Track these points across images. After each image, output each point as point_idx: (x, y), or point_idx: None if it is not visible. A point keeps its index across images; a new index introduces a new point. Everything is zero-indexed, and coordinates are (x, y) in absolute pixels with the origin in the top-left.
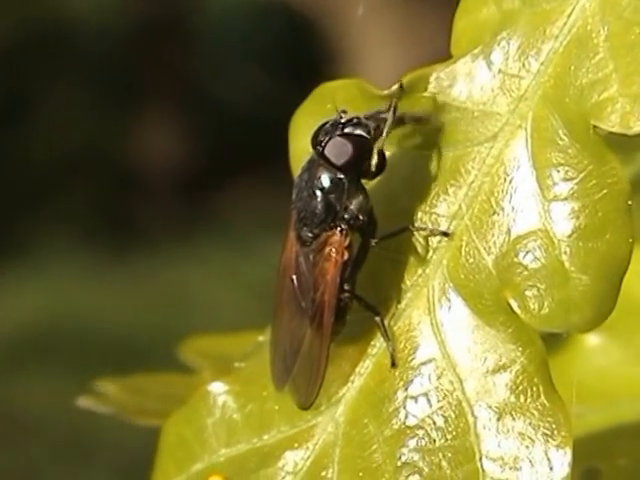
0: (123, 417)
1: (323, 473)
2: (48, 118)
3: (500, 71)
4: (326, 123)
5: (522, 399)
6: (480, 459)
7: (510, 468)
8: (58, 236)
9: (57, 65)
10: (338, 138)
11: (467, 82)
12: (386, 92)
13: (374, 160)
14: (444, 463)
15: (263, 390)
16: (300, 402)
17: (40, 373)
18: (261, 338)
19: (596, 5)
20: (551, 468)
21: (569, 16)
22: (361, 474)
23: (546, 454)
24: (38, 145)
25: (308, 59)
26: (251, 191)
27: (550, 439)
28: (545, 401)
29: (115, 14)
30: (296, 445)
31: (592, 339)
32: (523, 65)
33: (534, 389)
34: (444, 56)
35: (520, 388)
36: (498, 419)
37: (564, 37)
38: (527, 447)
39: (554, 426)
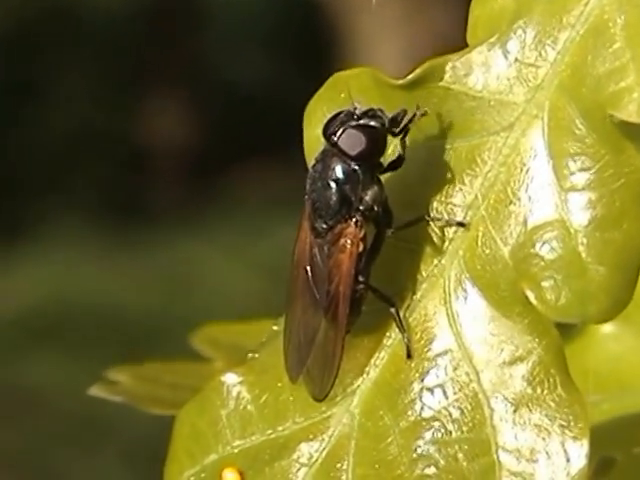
0: (135, 406)
1: (338, 465)
2: (53, 100)
3: (516, 60)
4: (339, 113)
5: (539, 391)
6: (496, 451)
7: (527, 460)
8: (66, 218)
9: (63, 47)
10: (353, 128)
11: (483, 71)
12: (401, 82)
13: (392, 156)
14: (460, 455)
15: (278, 381)
16: (315, 393)
17: (49, 352)
18: (275, 328)
19: None
20: (568, 460)
21: (586, 5)
22: (377, 466)
23: (563, 446)
24: (43, 127)
25: (314, 41)
26: (258, 172)
27: (567, 431)
28: (562, 392)
29: None
30: (311, 437)
31: (606, 327)
32: (540, 54)
33: (551, 380)
34: (451, 39)
35: (537, 380)
36: (515, 411)
37: (581, 26)
38: (544, 439)
39: (571, 418)
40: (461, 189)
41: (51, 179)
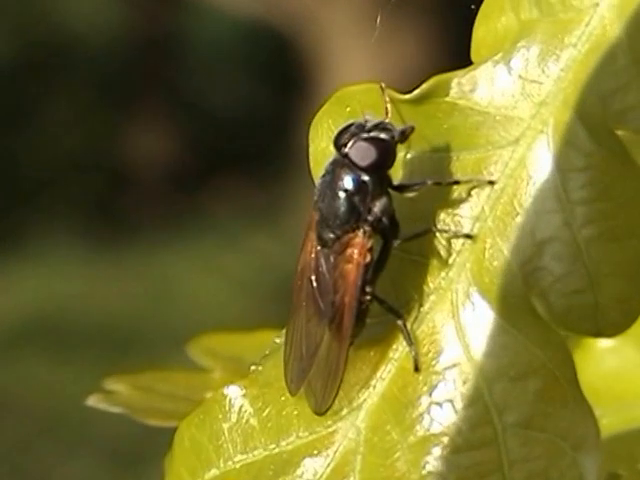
0: (133, 416)
1: None
2: (47, 119)
3: (520, 77)
4: (350, 125)
5: (550, 405)
6: (507, 467)
7: (538, 476)
8: (54, 230)
9: (59, 71)
10: (364, 141)
11: (488, 87)
12: (407, 97)
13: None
14: (470, 472)
15: (281, 394)
16: (316, 407)
17: (35, 357)
18: (278, 340)
19: (614, 14)
20: (580, 476)
21: (587, 25)
22: None
23: (575, 461)
24: (37, 144)
25: (285, 68)
26: (236, 187)
27: (579, 446)
28: (574, 407)
29: (115, 30)
30: (315, 452)
31: (604, 342)
32: (543, 71)
33: (562, 395)
34: (421, 74)
35: (548, 394)
36: (526, 426)
37: (582, 45)
38: (556, 454)
39: (583, 433)
40: (468, 201)
41: (40, 195)
